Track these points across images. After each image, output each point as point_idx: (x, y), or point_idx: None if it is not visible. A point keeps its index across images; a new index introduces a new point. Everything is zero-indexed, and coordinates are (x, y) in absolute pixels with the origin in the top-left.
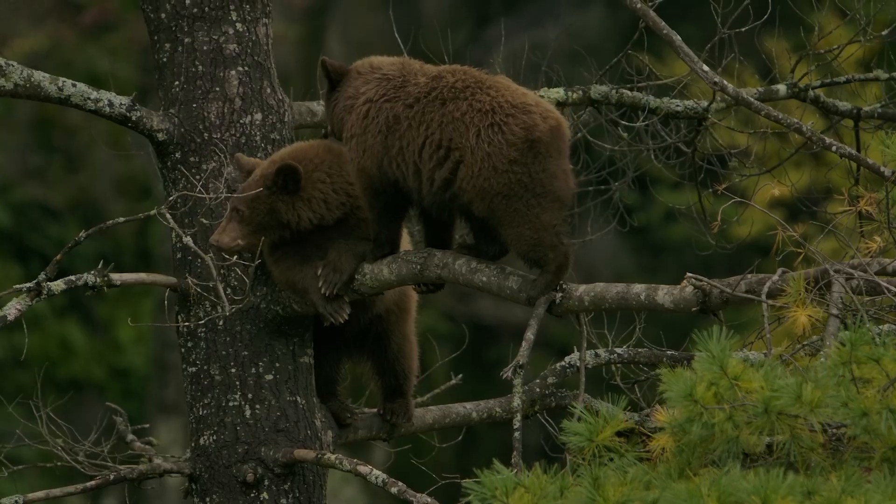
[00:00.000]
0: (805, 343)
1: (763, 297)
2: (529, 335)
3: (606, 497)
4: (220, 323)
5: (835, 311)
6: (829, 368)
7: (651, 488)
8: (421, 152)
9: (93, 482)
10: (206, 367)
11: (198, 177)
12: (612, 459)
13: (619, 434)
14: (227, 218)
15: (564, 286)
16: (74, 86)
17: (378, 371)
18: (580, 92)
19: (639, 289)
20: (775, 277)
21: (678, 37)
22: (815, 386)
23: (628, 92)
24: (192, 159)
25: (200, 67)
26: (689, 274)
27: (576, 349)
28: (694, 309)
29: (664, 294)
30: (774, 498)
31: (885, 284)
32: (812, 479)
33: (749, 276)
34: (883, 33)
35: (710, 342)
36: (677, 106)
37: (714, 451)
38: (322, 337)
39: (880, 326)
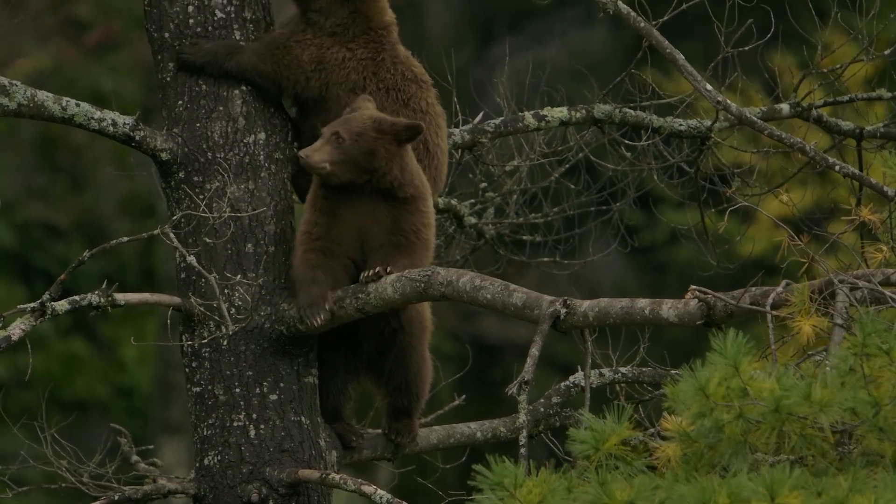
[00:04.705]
0: (810, 353)
1: (767, 308)
2: (534, 351)
3: (612, 496)
4: (224, 343)
5: (839, 321)
6: (839, 357)
7: (658, 491)
8: None
9: (97, 503)
10: (210, 387)
11: (201, 196)
12: (618, 467)
13: (625, 444)
14: (323, 139)
15: (569, 301)
16: (78, 105)
17: (393, 390)
18: (583, 111)
19: (643, 303)
20: (779, 289)
21: (681, 56)
22: (823, 384)
23: (631, 111)
24: (195, 179)
25: (204, 86)
26: (692, 286)
27: (580, 368)
28: (698, 322)
29: (668, 308)
30: (781, 490)
31: (890, 295)
32: (820, 480)
33: (753, 288)
34: (886, 52)
35: (726, 343)
36: (680, 125)
37: (722, 458)
38: (337, 354)
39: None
